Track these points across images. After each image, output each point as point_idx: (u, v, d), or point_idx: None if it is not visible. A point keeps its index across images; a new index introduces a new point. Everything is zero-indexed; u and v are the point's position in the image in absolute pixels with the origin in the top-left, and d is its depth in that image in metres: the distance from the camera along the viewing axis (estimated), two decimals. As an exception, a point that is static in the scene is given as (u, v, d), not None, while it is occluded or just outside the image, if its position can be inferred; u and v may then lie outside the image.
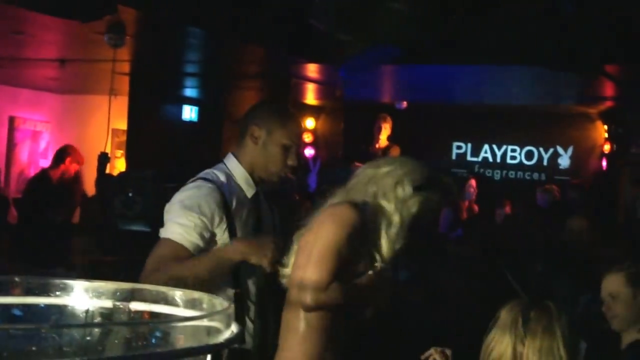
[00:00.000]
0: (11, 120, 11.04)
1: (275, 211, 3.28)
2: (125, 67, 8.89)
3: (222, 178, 3.10)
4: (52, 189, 7.68)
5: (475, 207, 9.49)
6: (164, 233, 2.96)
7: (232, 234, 3.01)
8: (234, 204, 3.06)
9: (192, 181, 3.10)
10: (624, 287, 3.56)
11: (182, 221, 2.93)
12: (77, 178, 8.04)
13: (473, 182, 9.67)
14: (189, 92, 10.87)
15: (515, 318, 2.35)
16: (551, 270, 4.82)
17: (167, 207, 3.03)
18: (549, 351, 2.30)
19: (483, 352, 2.41)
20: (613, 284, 3.60)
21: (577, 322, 4.02)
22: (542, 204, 9.27)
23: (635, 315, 3.52)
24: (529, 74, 8.24)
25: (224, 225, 3.00)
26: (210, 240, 2.98)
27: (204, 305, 1.33)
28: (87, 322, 1.35)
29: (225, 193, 3.04)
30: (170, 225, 2.96)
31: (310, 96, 11.31)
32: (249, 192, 3.15)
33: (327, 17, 5.30)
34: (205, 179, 3.08)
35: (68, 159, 8.05)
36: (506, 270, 2.50)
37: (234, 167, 3.15)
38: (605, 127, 11.02)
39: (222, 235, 3.01)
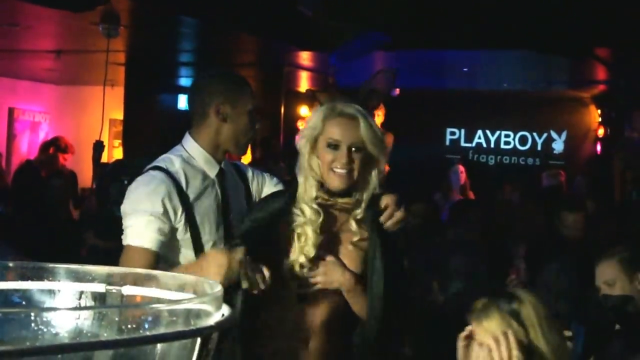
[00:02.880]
0: (10, 111, 11.09)
1: (242, 187, 3.18)
2: (121, 58, 8.90)
3: (177, 163, 3.02)
4: (38, 180, 7.69)
5: (471, 194, 9.47)
6: (124, 239, 2.90)
7: (191, 220, 2.95)
8: (193, 188, 2.99)
9: (146, 171, 3.01)
10: (619, 273, 3.51)
11: (134, 223, 2.87)
12: (66, 172, 8.05)
13: (460, 167, 9.62)
14: (184, 81, 10.89)
15: (501, 318, 2.36)
16: (547, 257, 4.83)
17: (122, 207, 2.95)
18: (549, 324, 2.33)
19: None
20: (607, 271, 3.55)
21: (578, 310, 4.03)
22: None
23: None
24: (521, 58, 8.26)
25: (180, 212, 2.93)
26: (171, 231, 2.91)
27: (196, 289, 1.35)
28: (76, 306, 1.37)
29: (181, 179, 2.97)
30: (127, 230, 2.89)
31: (304, 84, 11.32)
32: (212, 171, 3.07)
33: (315, 4, 5.31)
34: (158, 167, 2.99)
35: (52, 149, 8.07)
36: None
37: (192, 149, 3.08)
38: (599, 111, 11.05)
39: (181, 222, 2.94)
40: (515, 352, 2.31)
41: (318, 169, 2.81)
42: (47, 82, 11.30)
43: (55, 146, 8.56)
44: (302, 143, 2.83)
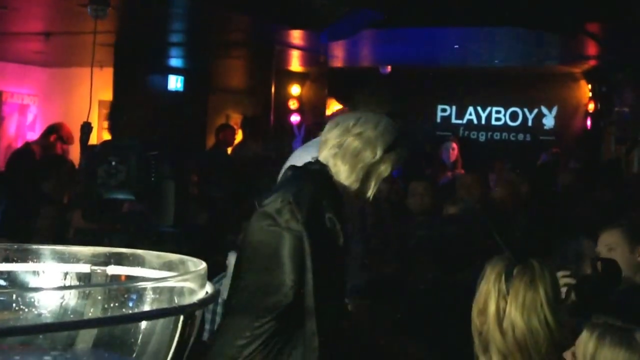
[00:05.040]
0: (-1, 94, 11.07)
1: None
2: (110, 39, 8.86)
3: None
4: (35, 162, 7.69)
5: (462, 171, 9.46)
6: None
7: None
8: None
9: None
10: (622, 241, 3.61)
11: None
12: (63, 156, 8.05)
13: (453, 144, 9.61)
14: (175, 62, 10.85)
15: (498, 274, 2.37)
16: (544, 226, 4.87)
17: None
18: (532, 307, 2.32)
19: (473, 308, 2.43)
20: (610, 238, 3.65)
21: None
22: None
23: (631, 272, 3.54)
24: (512, 35, 8.25)
25: None
26: None
27: (180, 268, 1.35)
28: (59, 286, 1.37)
29: None
30: None
31: (295, 63, 11.30)
32: None
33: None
34: None
35: (53, 136, 8.06)
36: (490, 225, 2.48)
37: None
38: (589, 86, 11.06)
39: None
40: (491, 309, 2.33)
41: (369, 185, 2.82)
42: (35, 64, 11.24)
43: (57, 134, 8.54)
44: (383, 164, 2.80)
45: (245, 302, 2.69)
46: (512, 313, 2.33)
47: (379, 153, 2.77)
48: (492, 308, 2.35)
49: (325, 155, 2.80)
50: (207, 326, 3.74)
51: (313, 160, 2.82)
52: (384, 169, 2.80)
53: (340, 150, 2.78)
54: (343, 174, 2.76)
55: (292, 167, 2.86)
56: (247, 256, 2.73)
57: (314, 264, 2.59)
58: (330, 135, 2.83)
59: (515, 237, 4.46)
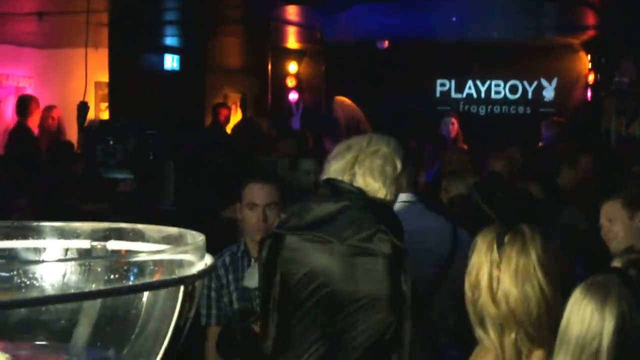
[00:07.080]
0: (-6, 77, 11.01)
1: None
2: (104, 18, 8.81)
3: None
4: (35, 143, 7.66)
5: (463, 146, 9.45)
6: None
7: None
8: None
9: None
10: (621, 211, 3.72)
11: None
12: (59, 128, 8.02)
13: (453, 119, 9.58)
14: (170, 40, 10.80)
15: (490, 244, 2.36)
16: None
17: None
18: (525, 273, 2.31)
19: (465, 280, 2.42)
20: (611, 209, 3.77)
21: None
22: (546, 138, 9.29)
23: (632, 238, 3.62)
24: (510, 6, 8.22)
25: None
26: None
27: (180, 241, 1.35)
28: (59, 258, 1.37)
29: None
30: None
31: (292, 40, 11.25)
32: None
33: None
34: None
35: (30, 109, 7.97)
36: (475, 194, 2.45)
37: None
38: (589, 57, 11.02)
39: None
40: (484, 279, 2.33)
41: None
42: (30, 46, 11.19)
43: (34, 103, 8.38)
44: (402, 177, 2.99)
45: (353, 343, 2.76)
46: (506, 282, 2.31)
47: (398, 166, 2.92)
48: (484, 279, 2.33)
49: (349, 177, 2.89)
50: (203, 311, 3.74)
51: (346, 183, 2.88)
52: (403, 182, 2.96)
53: (366, 170, 2.89)
54: (380, 192, 2.89)
55: (333, 190, 2.90)
56: (344, 294, 2.76)
57: (413, 287, 2.70)
58: (347, 156, 2.92)
59: (506, 207, 4.47)
